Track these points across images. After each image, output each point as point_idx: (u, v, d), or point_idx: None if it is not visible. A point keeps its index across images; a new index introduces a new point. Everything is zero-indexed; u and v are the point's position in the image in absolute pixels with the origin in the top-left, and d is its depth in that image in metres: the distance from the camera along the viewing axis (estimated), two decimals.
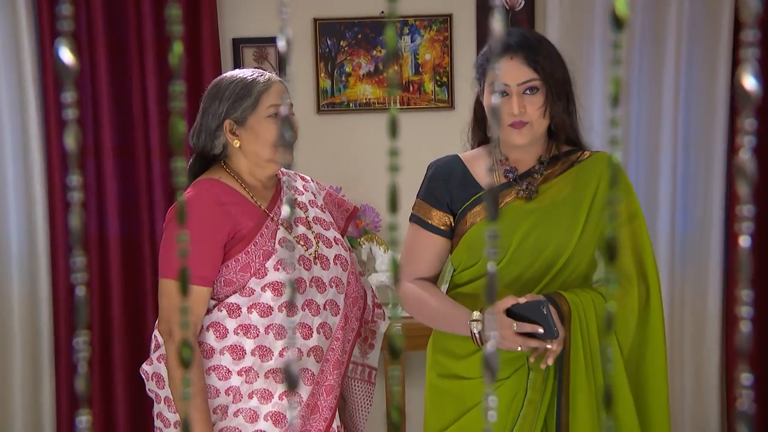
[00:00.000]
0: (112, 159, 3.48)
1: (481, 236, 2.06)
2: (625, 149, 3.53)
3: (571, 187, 2.08)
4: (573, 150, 2.13)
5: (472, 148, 2.21)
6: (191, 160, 2.23)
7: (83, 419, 0.67)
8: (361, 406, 2.41)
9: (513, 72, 2.00)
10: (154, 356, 2.18)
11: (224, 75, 2.19)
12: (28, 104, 3.43)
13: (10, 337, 3.48)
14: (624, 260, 2.06)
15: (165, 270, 2.11)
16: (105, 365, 3.51)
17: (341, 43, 3.66)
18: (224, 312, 2.10)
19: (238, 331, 2.09)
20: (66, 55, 0.67)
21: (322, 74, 3.67)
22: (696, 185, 3.58)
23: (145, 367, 2.21)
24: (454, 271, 2.19)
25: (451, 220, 2.13)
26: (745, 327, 0.59)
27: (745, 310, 0.60)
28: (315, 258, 2.18)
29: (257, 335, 2.09)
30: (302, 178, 2.35)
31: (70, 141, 0.67)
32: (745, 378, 0.59)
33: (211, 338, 2.10)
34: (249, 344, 2.09)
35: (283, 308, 2.09)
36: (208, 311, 2.11)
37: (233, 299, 2.09)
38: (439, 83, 3.68)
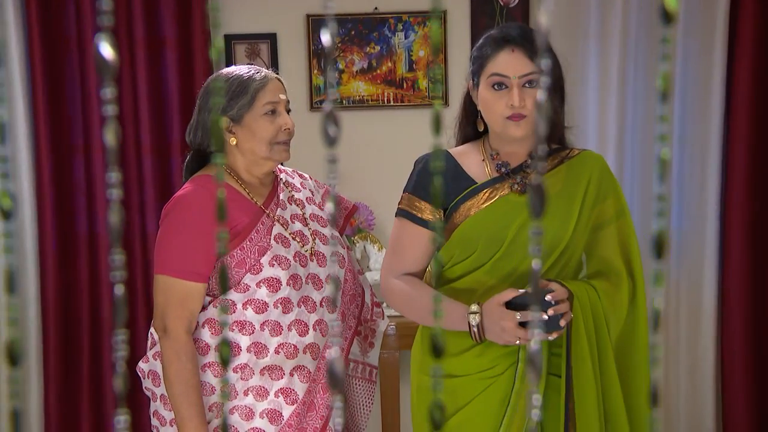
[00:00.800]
0: (102, 157, 3.44)
1: (475, 229, 2.04)
2: (620, 146, 3.53)
3: (563, 182, 2.08)
4: (560, 148, 2.14)
5: (457, 144, 2.19)
6: (188, 157, 2.21)
7: (122, 419, 0.64)
8: (363, 405, 2.39)
9: (514, 64, 2.00)
10: (150, 353, 2.16)
11: (220, 71, 2.16)
12: (16, 102, 3.38)
13: None
14: (612, 256, 2.08)
15: (160, 266, 2.09)
16: (95, 363, 3.46)
17: (334, 39, 3.62)
18: (219, 308, 2.08)
19: (233, 328, 2.07)
20: (106, 51, 0.64)
21: (315, 71, 3.64)
22: (691, 182, 3.58)
23: (141, 365, 2.19)
24: (445, 266, 2.16)
25: (441, 214, 2.11)
26: None
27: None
28: (311, 255, 2.17)
29: (252, 332, 2.07)
30: (300, 176, 2.34)
31: (110, 137, 0.65)
32: None
33: (206, 335, 2.08)
34: (244, 341, 2.07)
35: (279, 304, 2.08)
36: (204, 307, 2.09)
37: (228, 295, 2.08)
38: (432, 80, 3.65)
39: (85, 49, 3.42)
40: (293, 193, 2.26)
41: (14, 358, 0.65)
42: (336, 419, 0.70)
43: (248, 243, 2.09)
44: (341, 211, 2.41)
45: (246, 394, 2.09)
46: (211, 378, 2.08)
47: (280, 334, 2.08)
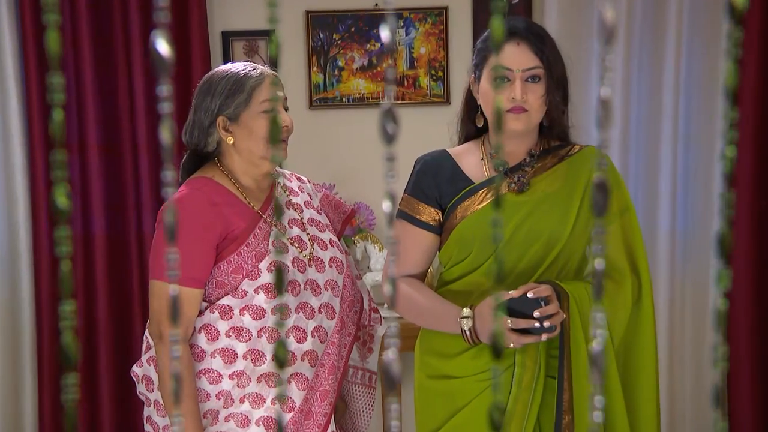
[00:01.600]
0: (98, 156, 3.40)
1: (472, 230, 2.03)
2: (625, 145, 3.50)
3: (563, 180, 2.07)
4: (562, 144, 2.12)
5: (459, 142, 2.19)
6: (185, 158, 2.18)
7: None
8: (363, 411, 2.38)
9: (519, 57, 1.99)
10: (144, 358, 2.14)
11: (216, 69, 2.14)
12: (9, 99, 3.33)
13: None
14: (615, 254, 2.05)
15: (156, 271, 2.06)
16: (90, 367, 3.42)
17: (334, 36, 3.58)
18: (216, 314, 2.05)
19: (230, 334, 2.04)
20: (163, 47, 0.62)
21: (315, 68, 3.59)
22: (696, 181, 3.56)
23: (135, 369, 2.17)
24: (443, 268, 2.15)
25: (440, 215, 2.10)
26: None
27: None
28: (310, 260, 2.14)
29: (249, 338, 2.04)
30: (298, 179, 2.31)
31: (166, 135, 0.64)
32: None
33: (202, 341, 2.05)
34: (241, 347, 2.05)
35: (276, 311, 2.03)
36: (200, 313, 2.06)
37: (225, 301, 2.05)
38: (434, 78, 3.60)
39: (79, 46, 3.37)
40: (291, 197, 2.22)
41: (69, 361, 0.65)
42: (392, 422, 0.66)
43: (245, 248, 2.06)
44: (339, 216, 2.38)
45: (242, 401, 2.06)
46: (206, 385, 2.05)
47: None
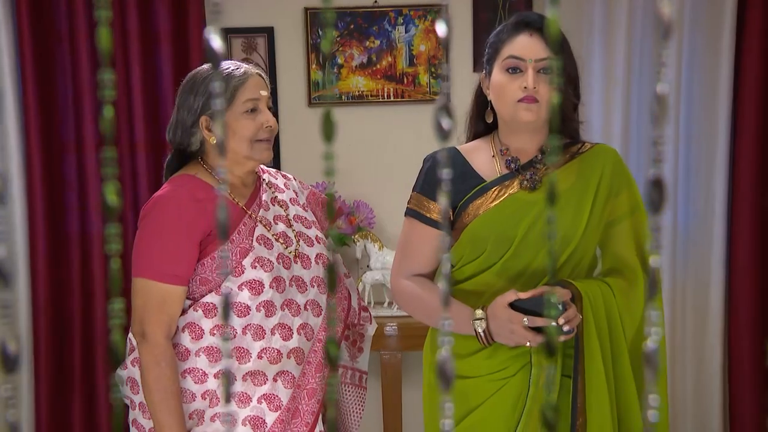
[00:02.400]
0: (95, 154, 3.36)
1: (484, 229, 2.01)
2: (626, 142, 3.49)
3: (575, 177, 2.04)
4: (572, 142, 2.10)
5: (468, 140, 2.15)
6: (169, 157, 2.15)
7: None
8: (353, 411, 2.35)
9: (532, 47, 1.97)
10: (128, 360, 2.09)
11: (199, 68, 2.10)
12: (5, 98, 3.29)
13: None
14: (627, 252, 2.04)
15: (139, 268, 2.03)
16: (87, 366, 3.39)
17: (333, 33, 3.54)
18: (200, 312, 2.01)
19: (215, 332, 2.01)
20: (216, 42, 0.61)
21: (313, 66, 3.56)
22: (698, 178, 3.55)
23: (119, 371, 2.13)
24: (454, 267, 2.11)
25: (451, 213, 2.07)
26: None
27: None
28: (295, 257, 2.10)
29: (234, 336, 2.01)
30: (284, 176, 2.28)
31: (218, 131, 0.64)
32: None
33: (186, 339, 2.01)
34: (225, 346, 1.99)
35: (261, 308, 2.01)
36: (184, 311, 2.02)
37: (209, 299, 2.01)
38: (434, 75, 3.58)
39: (76, 42, 3.33)
40: (276, 194, 2.19)
41: (117, 359, 0.65)
42: (446, 420, 0.65)
43: (229, 244, 2.02)
44: (320, 206, 2.32)
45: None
46: (191, 384, 2.01)
47: (263, 338, 2.01)
